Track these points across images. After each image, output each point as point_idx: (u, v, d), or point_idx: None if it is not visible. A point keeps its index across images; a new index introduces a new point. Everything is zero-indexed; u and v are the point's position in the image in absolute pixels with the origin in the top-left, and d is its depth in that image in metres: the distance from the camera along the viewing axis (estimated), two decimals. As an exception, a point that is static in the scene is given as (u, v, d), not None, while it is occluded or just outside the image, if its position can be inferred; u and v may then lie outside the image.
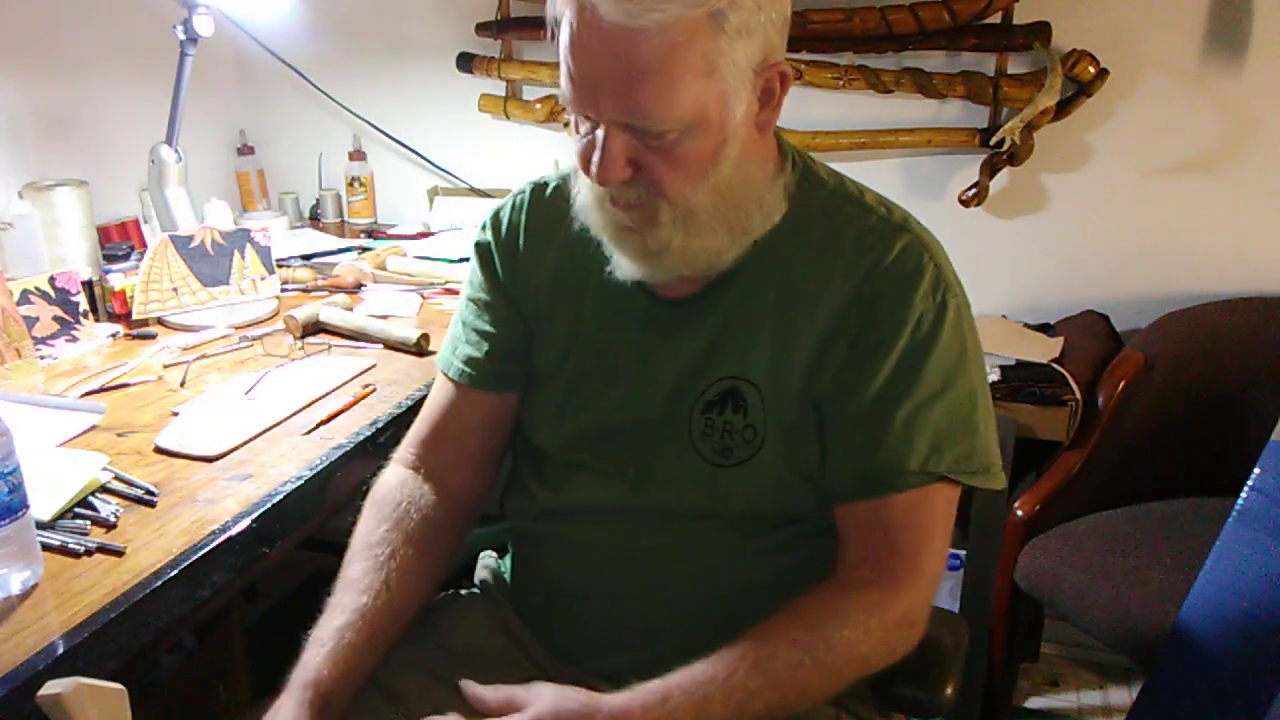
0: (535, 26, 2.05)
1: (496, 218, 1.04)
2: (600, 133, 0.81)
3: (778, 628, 0.85)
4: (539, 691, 0.83)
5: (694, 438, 0.92)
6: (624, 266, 0.91)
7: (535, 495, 1.02)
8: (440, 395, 1.04)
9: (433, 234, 2.17)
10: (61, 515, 0.98)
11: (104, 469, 1.06)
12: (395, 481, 1.00)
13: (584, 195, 0.90)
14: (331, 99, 2.30)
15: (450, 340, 1.05)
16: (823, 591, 0.89)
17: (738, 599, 0.94)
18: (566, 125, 2.12)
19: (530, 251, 1.01)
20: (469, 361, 1.02)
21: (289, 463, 1.11)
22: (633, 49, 0.76)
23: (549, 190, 1.02)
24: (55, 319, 1.48)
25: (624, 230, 0.88)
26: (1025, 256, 1.96)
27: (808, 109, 1.97)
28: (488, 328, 1.02)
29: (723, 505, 0.92)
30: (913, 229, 0.91)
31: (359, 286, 1.79)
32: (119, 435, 1.18)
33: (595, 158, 0.82)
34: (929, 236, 0.92)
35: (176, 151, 1.69)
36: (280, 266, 1.80)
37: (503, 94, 2.19)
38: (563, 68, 0.81)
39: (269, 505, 1.02)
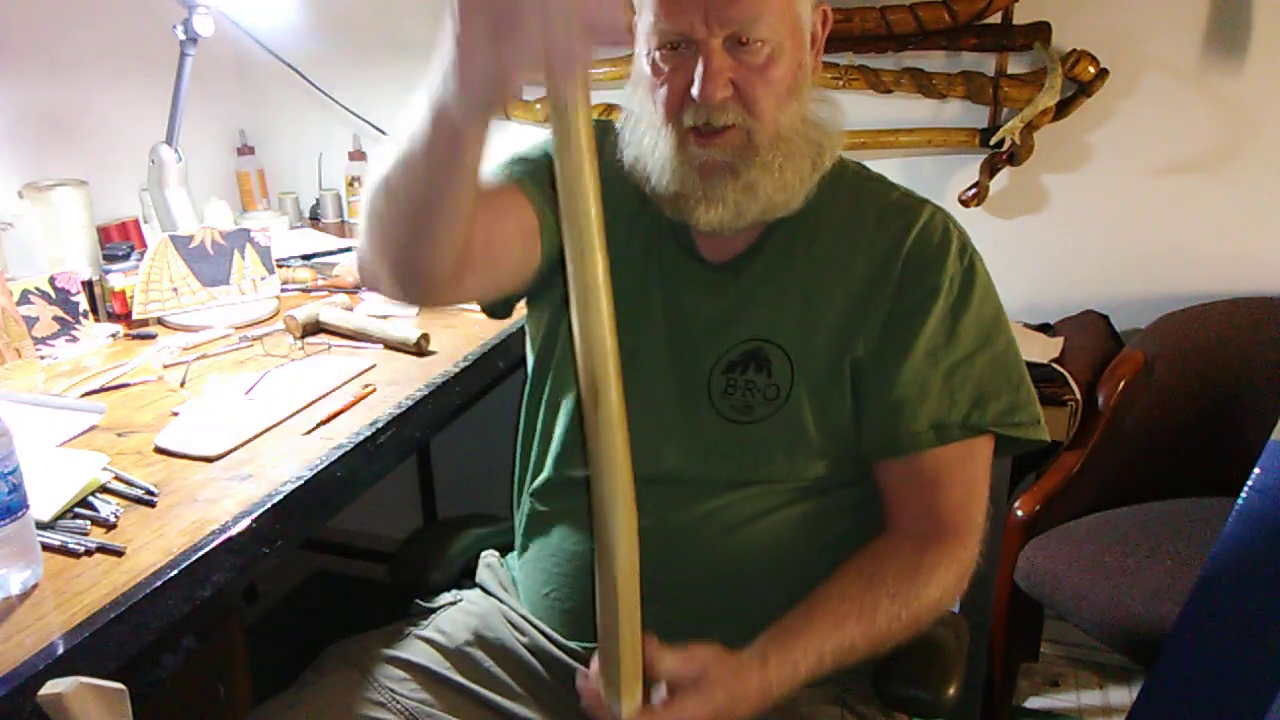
0: (535, 26, 2.04)
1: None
2: (700, 54, 0.85)
3: (877, 581, 0.87)
4: (701, 662, 0.80)
5: (713, 396, 0.94)
6: (705, 214, 0.91)
7: (547, 470, 1.03)
8: None
9: (433, 234, 2.16)
10: (61, 515, 0.98)
11: (104, 469, 1.06)
12: None
13: (663, 146, 0.91)
14: (331, 99, 2.29)
15: None
16: (895, 545, 0.91)
17: (749, 581, 0.94)
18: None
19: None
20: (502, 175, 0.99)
21: (289, 463, 1.11)
22: None
23: (613, 134, 1.00)
24: (55, 319, 1.48)
25: (714, 169, 0.89)
26: (1025, 256, 1.96)
27: (808, 109, 1.96)
28: (531, 181, 0.97)
29: (735, 469, 0.93)
30: (933, 205, 0.97)
31: (359, 287, 1.79)
32: (119, 435, 1.18)
33: (698, 75, 0.85)
34: (949, 213, 0.97)
35: (176, 151, 1.69)
36: (280, 266, 1.80)
37: (503, 94, 2.18)
38: None
39: (269, 505, 1.02)
